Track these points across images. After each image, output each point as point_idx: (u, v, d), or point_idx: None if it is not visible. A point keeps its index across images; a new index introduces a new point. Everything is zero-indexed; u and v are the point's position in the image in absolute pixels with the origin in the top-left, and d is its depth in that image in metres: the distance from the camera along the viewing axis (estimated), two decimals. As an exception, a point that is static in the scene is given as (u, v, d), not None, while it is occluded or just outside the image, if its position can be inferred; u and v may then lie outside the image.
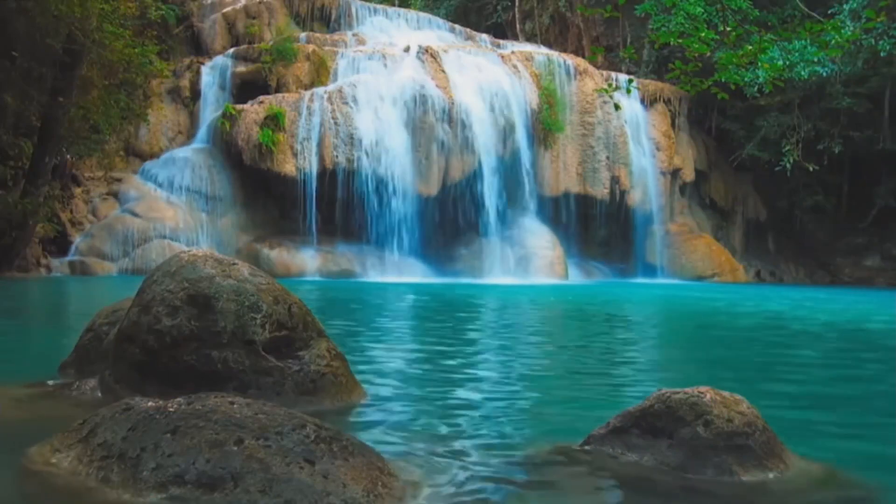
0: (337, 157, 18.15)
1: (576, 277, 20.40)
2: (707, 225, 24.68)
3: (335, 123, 18.28)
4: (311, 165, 18.11)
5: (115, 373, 3.21)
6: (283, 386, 3.11)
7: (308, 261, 17.87)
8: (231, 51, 20.39)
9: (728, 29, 8.09)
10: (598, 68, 23.00)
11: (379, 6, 24.14)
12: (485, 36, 24.45)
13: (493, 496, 2.22)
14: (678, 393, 2.49)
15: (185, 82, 19.77)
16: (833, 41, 7.24)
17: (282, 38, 20.02)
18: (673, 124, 23.41)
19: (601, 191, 21.70)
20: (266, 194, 18.80)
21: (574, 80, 21.73)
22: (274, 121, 18.05)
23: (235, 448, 2.03)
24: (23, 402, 3.17)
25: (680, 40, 8.12)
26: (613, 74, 21.20)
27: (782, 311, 11.02)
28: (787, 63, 18.66)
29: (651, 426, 2.49)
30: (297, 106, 18.40)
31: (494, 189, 19.57)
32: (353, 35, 21.57)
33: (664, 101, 23.32)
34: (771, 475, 2.34)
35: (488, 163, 19.46)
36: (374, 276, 17.78)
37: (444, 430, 2.99)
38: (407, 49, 20.32)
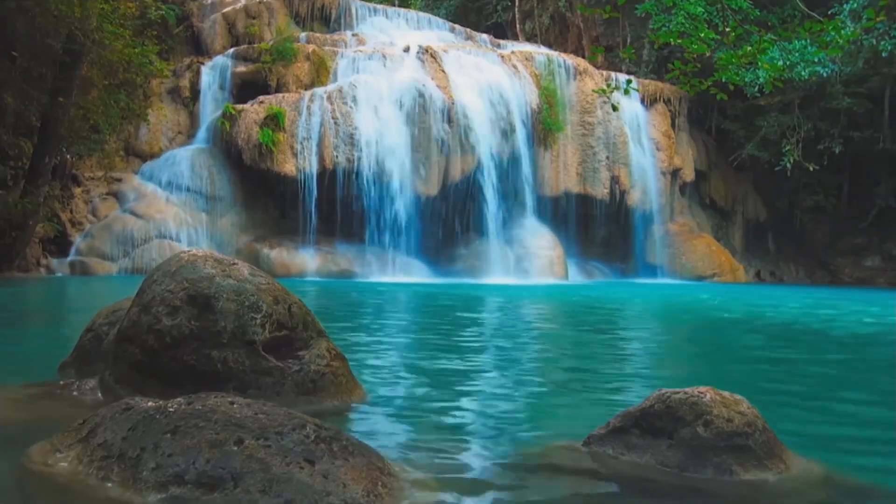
0: (337, 156, 18.15)
1: (576, 277, 20.39)
2: (707, 225, 24.68)
3: (335, 123, 18.28)
4: (311, 165, 18.11)
5: (115, 373, 3.21)
6: (283, 386, 3.11)
7: (308, 261, 17.87)
8: (231, 51, 20.38)
9: (728, 29, 8.08)
10: (598, 68, 22.99)
11: (379, 6, 24.14)
12: (485, 36, 24.44)
13: (493, 496, 2.22)
14: (678, 393, 2.49)
15: (185, 82, 19.77)
16: (833, 41, 7.23)
17: (282, 38, 20.01)
18: (673, 124, 23.40)
19: (601, 191, 21.69)
20: (266, 194, 18.80)
21: (574, 80, 21.73)
22: (274, 121, 18.05)
23: (235, 448, 2.03)
24: (23, 402, 3.17)
25: (680, 40, 8.12)
26: (613, 74, 21.19)
27: (783, 311, 11.02)
28: (788, 63, 18.66)
29: (651, 426, 2.49)
30: (297, 106, 18.40)
31: (494, 189, 19.55)
32: (353, 35, 21.57)
33: (664, 101, 23.32)
34: (771, 475, 2.34)
35: (488, 163, 19.45)
36: (373, 277, 17.77)
37: (443, 429, 3.00)
38: (407, 49, 20.32)
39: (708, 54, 11.34)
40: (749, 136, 23.59)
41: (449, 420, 3.19)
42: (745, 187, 25.62)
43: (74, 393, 3.30)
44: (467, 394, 3.84)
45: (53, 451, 2.23)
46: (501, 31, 28.50)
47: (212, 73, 19.85)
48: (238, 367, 3.04)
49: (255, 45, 20.14)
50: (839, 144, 22.18)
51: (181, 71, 19.94)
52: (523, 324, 8.63)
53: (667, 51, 21.27)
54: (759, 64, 8.15)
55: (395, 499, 2.07)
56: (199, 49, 20.93)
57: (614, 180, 21.77)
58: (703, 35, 7.94)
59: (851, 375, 5.14)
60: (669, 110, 23.36)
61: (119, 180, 17.92)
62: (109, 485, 2.03)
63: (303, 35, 20.87)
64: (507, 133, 19.91)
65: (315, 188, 18.13)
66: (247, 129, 18.06)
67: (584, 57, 23.88)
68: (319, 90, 18.79)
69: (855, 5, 18.96)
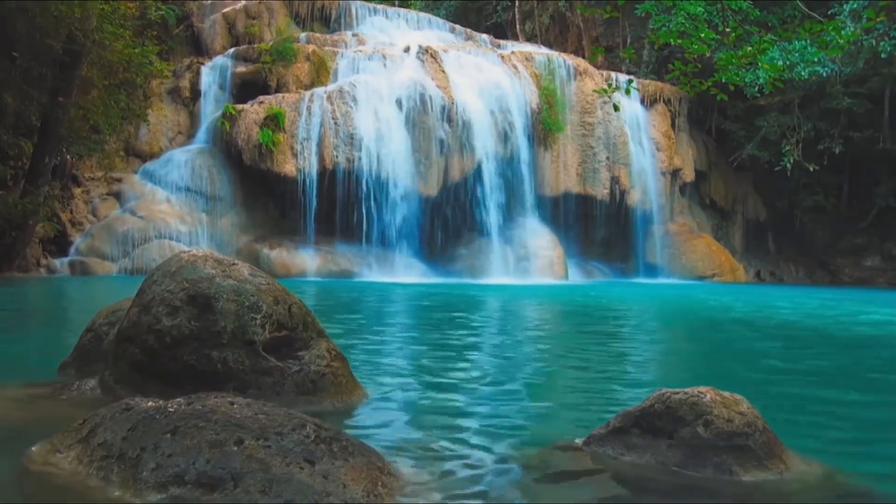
0: (337, 157, 18.15)
1: (576, 277, 20.39)
2: (707, 225, 24.68)
3: (335, 123, 18.28)
4: (311, 165, 18.11)
5: (115, 373, 3.21)
6: (283, 386, 3.11)
7: (308, 261, 17.87)
8: (231, 51, 20.39)
9: (728, 29, 8.08)
10: (598, 68, 22.99)
11: (379, 6, 24.14)
12: (485, 36, 24.44)
13: (492, 496, 2.22)
14: (678, 393, 2.49)
15: (185, 82, 19.77)
16: (833, 41, 7.23)
17: (282, 39, 20.02)
18: (673, 124, 23.41)
19: (601, 191, 21.70)
20: (266, 194, 18.80)
21: (574, 81, 21.73)
22: (274, 121, 18.05)
23: (235, 448, 2.03)
24: (23, 402, 3.17)
25: (680, 41, 8.11)
26: (613, 74, 21.20)
27: (783, 312, 11.02)
28: (788, 63, 18.66)
29: (651, 426, 2.49)
30: (297, 106, 18.40)
31: (494, 189, 19.56)
32: (353, 35, 21.57)
33: (664, 101, 23.32)
34: (771, 475, 2.34)
35: (488, 163, 19.45)
36: (373, 277, 17.77)
37: (444, 430, 2.99)
38: (407, 49, 20.32)
39: (708, 55, 11.34)
40: (749, 137, 23.59)
41: (449, 420, 3.19)
42: (745, 187, 25.63)
43: (74, 393, 3.30)
44: (467, 394, 3.84)
45: (53, 451, 2.23)
46: (501, 31, 28.49)
47: (212, 74, 19.85)
48: (238, 367, 3.04)
49: (255, 46, 20.14)
50: (839, 144, 22.18)
51: (181, 71, 19.94)
52: (523, 324, 8.63)
53: (667, 51, 21.28)
54: (760, 64, 8.15)
55: (395, 499, 2.07)
56: (199, 49, 20.93)
57: (614, 180, 21.77)
58: (703, 35, 7.94)
59: (852, 376, 5.13)
60: (669, 111, 23.37)
61: (119, 180, 17.92)
62: (109, 485, 2.03)
63: (303, 35, 20.87)
64: (507, 133, 19.91)
65: (315, 188, 18.13)
66: (247, 129, 18.06)
67: (584, 57, 23.88)
68: (319, 90, 18.79)
69: (855, 5, 18.96)
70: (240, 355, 3.05)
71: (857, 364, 5.77)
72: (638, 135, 22.36)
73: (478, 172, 19.38)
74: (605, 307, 11.42)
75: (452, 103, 19.13)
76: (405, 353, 5.52)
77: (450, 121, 19.10)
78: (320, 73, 19.75)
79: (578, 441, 2.66)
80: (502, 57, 21.14)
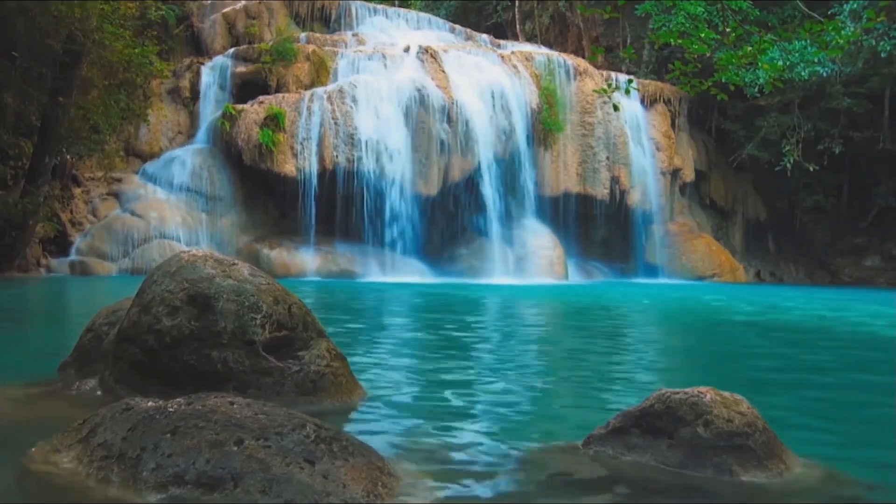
0: (337, 157, 18.15)
1: (576, 277, 20.39)
2: (707, 225, 24.68)
3: (335, 123, 18.28)
4: (311, 165, 18.11)
5: (115, 373, 3.21)
6: (283, 386, 3.11)
7: (308, 261, 17.87)
8: (231, 51, 20.39)
9: (728, 29, 8.09)
10: (598, 68, 22.99)
11: (379, 6, 24.14)
12: (485, 36, 24.44)
13: (493, 496, 2.22)
14: (678, 393, 2.49)
15: (185, 82, 19.77)
16: (833, 42, 7.24)
17: (282, 39, 20.02)
18: (673, 124, 23.40)
19: (601, 191, 21.70)
20: (266, 194, 18.80)
21: (574, 81, 21.73)
22: (274, 121, 18.05)
23: (235, 448, 2.03)
24: (23, 402, 3.17)
25: (680, 41, 8.12)
26: (613, 74, 21.19)
27: (784, 312, 11.02)
28: (788, 63, 18.66)
29: (651, 426, 2.49)
30: (297, 106, 18.40)
31: (494, 189, 19.56)
32: (353, 35, 21.57)
33: (664, 101, 23.32)
34: (771, 475, 2.33)
35: (488, 163, 19.45)
36: (373, 277, 17.77)
37: (443, 429, 2.99)
38: (407, 49, 20.32)
39: (708, 55, 11.35)
40: (749, 137, 23.59)
41: (449, 420, 3.19)
42: (745, 187, 25.63)
43: (74, 393, 3.30)
44: (467, 394, 3.84)
45: (53, 451, 2.23)
46: (501, 31, 28.49)
47: (212, 74, 19.85)
48: (238, 367, 3.04)
49: (255, 46, 20.14)
50: (839, 144, 22.18)
51: (181, 71, 19.94)
52: (523, 324, 8.63)
53: (667, 51, 21.28)
54: (760, 64, 8.15)
55: (395, 499, 2.07)
56: (199, 49, 20.93)
57: (614, 180, 21.77)
58: (703, 35, 7.95)
59: (853, 376, 5.14)
60: (669, 110, 23.37)
61: (119, 180, 17.92)
62: (109, 485, 2.03)
63: (303, 35, 20.88)
64: (507, 133, 19.91)
65: (315, 188, 18.13)
66: (247, 129, 18.06)
67: (584, 57, 23.88)
68: (319, 90, 18.79)
69: (855, 5, 18.96)
70: (240, 355, 3.05)
71: (857, 364, 5.77)
72: (638, 135, 22.36)
73: (478, 172, 19.38)
74: (605, 307, 11.42)
75: (452, 103, 19.13)
76: (405, 353, 5.52)
77: (450, 121, 19.10)
78: (320, 73, 19.75)
79: (578, 441, 2.66)
80: (502, 57, 21.14)
